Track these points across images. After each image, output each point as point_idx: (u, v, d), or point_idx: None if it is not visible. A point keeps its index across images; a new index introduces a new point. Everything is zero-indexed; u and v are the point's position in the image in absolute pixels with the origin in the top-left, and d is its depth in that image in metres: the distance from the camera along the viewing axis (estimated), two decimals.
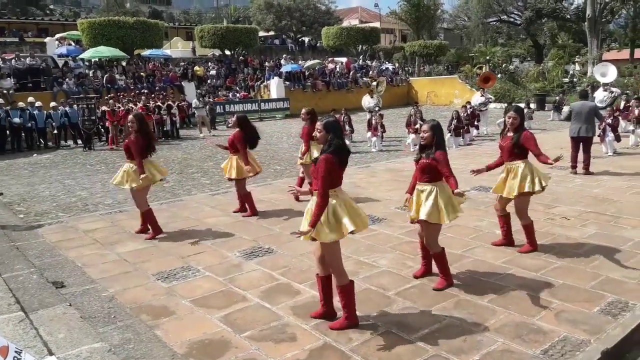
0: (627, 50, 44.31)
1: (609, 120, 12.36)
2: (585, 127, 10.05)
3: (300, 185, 8.66)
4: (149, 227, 6.93)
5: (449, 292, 4.86)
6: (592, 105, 10.38)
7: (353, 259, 5.79)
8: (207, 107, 21.09)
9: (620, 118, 14.14)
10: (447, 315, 4.41)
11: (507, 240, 6.06)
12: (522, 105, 16.78)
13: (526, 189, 5.60)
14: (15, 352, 2.73)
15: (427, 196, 4.76)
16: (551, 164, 5.59)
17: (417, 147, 13.57)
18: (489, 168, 5.96)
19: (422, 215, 4.72)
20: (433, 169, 4.74)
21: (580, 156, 10.14)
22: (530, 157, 5.74)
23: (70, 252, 6.33)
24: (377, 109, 16.85)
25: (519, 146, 5.66)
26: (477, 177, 9.65)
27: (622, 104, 16.21)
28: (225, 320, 4.44)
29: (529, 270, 5.31)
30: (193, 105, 21.01)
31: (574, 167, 10.17)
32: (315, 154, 8.26)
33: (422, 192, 4.81)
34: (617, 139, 12.38)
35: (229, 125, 8.00)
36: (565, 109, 19.55)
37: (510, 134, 5.79)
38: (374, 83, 19.19)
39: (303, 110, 8.45)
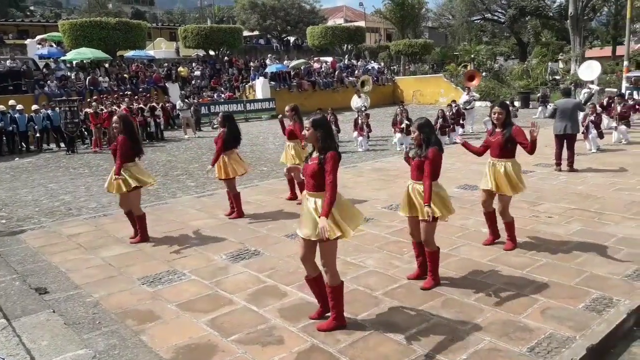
0: (609, 47, 44.92)
1: (592, 117, 12.49)
2: (570, 125, 10.15)
3: (292, 188, 8.62)
4: (138, 231, 6.87)
5: (436, 292, 4.87)
6: (576, 102, 10.50)
7: (340, 259, 5.74)
8: (192, 108, 20.95)
9: (603, 115, 14.30)
10: (434, 314, 4.42)
11: (495, 236, 6.10)
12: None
13: (521, 190, 5.76)
14: None
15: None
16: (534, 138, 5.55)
17: (404, 145, 13.54)
18: (467, 145, 5.87)
19: (436, 213, 4.72)
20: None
21: (565, 153, 10.24)
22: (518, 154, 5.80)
23: (53, 258, 6.24)
24: (364, 108, 16.87)
25: (510, 141, 5.68)
26: (463, 176, 9.80)
27: (606, 100, 16.39)
28: (211, 324, 4.40)
29: (515, 268, 5.34)
30: (177, 107, 20.85)
31: (558, 164, 10.26)
32: (293, 152, 8.26)
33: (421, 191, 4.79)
34: (600, 135, 12.52)
35: (214, 126, 7.97)
36: (550, 105, 19.73)
37: (498, 129, 5.79)
38: (359, 82, 19.19)
39: (287, 107, 8.43)
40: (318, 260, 4.20)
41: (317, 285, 4.32)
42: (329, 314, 4.30)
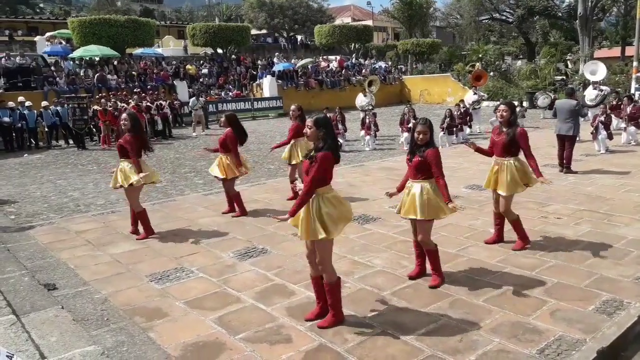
0: (618, 48, 44.58)
1: (602, 118, 12.41)
2: (566, 126, 10.09)
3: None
4: (141, 227, 6.89)
5: (443, 292, 4.85)
6: (573, 103, 10.35)
7: (347, 258, 5.77)
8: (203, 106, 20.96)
9: (612, 116, 14.19)
10: (442, 315, 4.40)
11: (499, 237, 6.08)
12: (515, 103, 16.79)
13: (516, 191, 5.68)
14: (7, 356, 2.69)
15: (420, 193, 4.77)
16: (538, 176, 5.61)
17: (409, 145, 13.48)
18: (478, 149, 5.92)
19: (418, 215, 4.75)
20: (426, 166, 4.78)
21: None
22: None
23: (62, 254, 6.27)
24: (369, 107, 16.83)
25: (513, 142, 5.66)
26: (471, 176, 9.75)
27: (614, 102, 16.25)
28: (219, 321, 4.41)
29: (524, 269, 5.31)
30: (191, 104, 20.83)
31: (560, 164, 10.24)
32: (300, 152, 8.26)
33: (415, 189, 4.81)
34: (610, 136, 12.43)
35: (222, 124, 8.00)
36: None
37: (503, 129, 5.76)
38: (366, 82, 19.13)
39: (293, 107, 8.42)
40: None
41: (318, 284, 4.34)
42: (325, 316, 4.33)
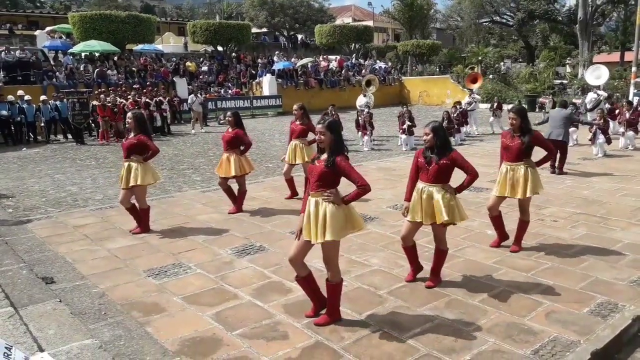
0: (618, 53, 44.70)
1: (599, 123, 12.47)
2: (556, 132, 10.34)
3: (293, 187, 8.58)
4: (139, 222, 6.93)
5: (440, 292, 4.88)
6: (567, 112, 10.72)
7: (345, 257, 5.78)
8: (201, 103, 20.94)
9: (610, 121, 14.27)
10: (438, 314, 4.43)
11: (502, 238, 6.10)
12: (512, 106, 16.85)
13: (537, 192, 5.75)
14: (5, 347, 2.70)
15: (443, 198, 4.75)
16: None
17: (408, 146, 13.43)
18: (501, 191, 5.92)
19: (446, 218, 4.72)
20: (449, 170, 4.80)
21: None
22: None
23: (60, 248, 6.28)
24: (367, 108, 16.82)
25: (530, 148, 5.69)
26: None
27: (608, 106, 16.32)
28: (216, 317, 4.43)
29: (520, 271, 5.35)
30: (189, 101, 20.81)
31: (552, 165, 10.37)
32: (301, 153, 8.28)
33: (437, 194, 4.77)
34: (608, 141, 12.50)
35: (221, 121, 8.00)
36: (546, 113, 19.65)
37: (515, 134, 5.74)
38: (364, 82, 19.06)
39: (295, 106, 8.41)
40: (306, 259, 4.29)
41: (308, 283, 4.36)
42: (323, 311, 4.35)
